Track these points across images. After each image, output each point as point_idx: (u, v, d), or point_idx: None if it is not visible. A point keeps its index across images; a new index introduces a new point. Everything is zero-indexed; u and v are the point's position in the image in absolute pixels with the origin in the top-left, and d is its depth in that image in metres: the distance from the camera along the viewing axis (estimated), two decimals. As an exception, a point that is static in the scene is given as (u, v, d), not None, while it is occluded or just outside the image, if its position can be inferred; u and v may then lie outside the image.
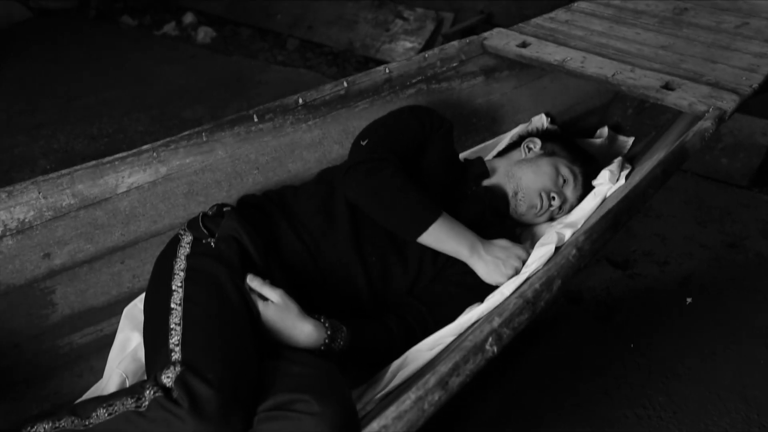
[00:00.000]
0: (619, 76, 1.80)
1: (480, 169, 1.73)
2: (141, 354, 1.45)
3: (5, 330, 1.45)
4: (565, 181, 1.71)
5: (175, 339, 1.20)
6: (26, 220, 1.46)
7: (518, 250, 1.49)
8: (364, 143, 1.56)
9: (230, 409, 1.10)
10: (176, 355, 1.17)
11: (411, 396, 0.98)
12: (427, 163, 1.62)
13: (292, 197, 1.57)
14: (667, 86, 1.75)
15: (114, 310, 1.57)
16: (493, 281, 1.46)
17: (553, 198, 1.69)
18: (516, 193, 1.70)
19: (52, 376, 1.51)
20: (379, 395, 1.35)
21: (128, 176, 1.56)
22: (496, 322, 1.11)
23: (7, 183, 1.50)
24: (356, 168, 1.47)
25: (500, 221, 1.70)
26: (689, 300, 2.14)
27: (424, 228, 1.43)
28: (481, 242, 1.48)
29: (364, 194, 1.46)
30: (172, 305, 1.27)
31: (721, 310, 2.15)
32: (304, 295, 1.38)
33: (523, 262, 1.47)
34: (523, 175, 1.71)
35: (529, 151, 1.79)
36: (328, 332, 1.33)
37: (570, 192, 1.72)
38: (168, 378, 1.12)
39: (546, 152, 1.77)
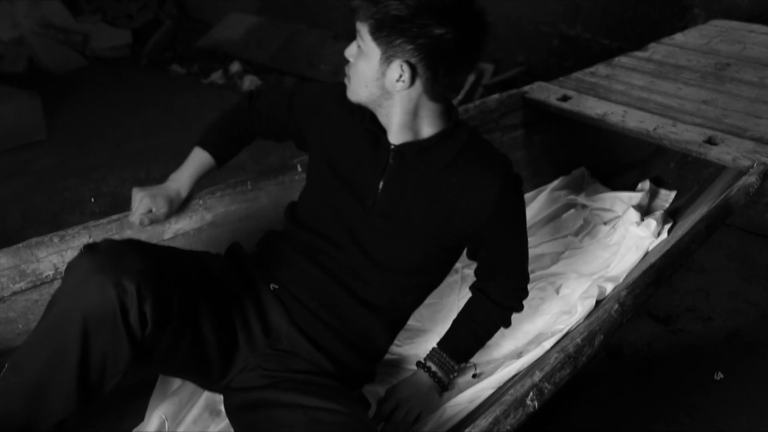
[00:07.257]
0: (661, 131, 1.81)
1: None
2: (181, 396, 1.46)
3: (52, 370, 1.48)
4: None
5: None
6: (77, 263, 1.50)
7: None
8: None
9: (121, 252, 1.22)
10: None
11: (451, 450, 0.98)
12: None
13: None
14: (710, 141, 1.75)
15: (157, 352, 1.59)
16: None
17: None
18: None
19: (96, 419, 1.52)
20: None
21: (174, 222, 1.61)
22: (537, 376, 1.11)
23: (57, 225, 1.55)
24: None
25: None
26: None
27: None
28: None
29: None
30: None
31: (769, 370, 2.08)
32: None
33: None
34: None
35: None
36: (439, 375, 1.43)
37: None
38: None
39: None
